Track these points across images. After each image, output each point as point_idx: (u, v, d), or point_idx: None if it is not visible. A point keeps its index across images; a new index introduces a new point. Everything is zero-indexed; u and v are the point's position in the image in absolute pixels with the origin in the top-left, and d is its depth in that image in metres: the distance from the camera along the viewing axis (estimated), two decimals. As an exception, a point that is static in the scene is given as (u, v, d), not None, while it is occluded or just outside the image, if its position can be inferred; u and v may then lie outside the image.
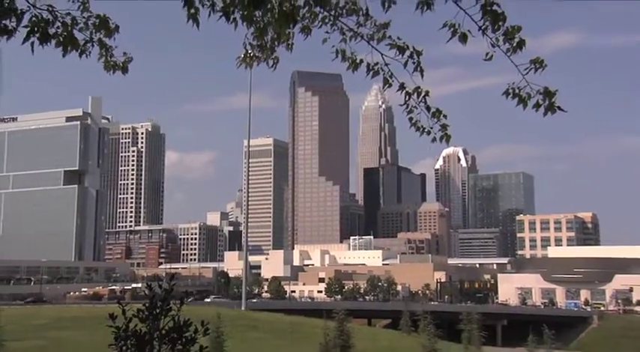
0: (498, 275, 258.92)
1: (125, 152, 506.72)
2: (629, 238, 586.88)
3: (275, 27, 5.80)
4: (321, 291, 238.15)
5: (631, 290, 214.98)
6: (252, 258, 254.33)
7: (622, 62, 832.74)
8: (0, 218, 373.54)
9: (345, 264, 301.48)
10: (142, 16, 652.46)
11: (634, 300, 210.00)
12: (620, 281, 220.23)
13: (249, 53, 6.20)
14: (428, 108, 5.54)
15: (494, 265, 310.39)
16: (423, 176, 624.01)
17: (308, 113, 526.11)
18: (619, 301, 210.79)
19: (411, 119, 5.57)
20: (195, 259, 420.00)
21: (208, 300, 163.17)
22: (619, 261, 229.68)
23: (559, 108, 5.27)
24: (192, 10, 5.53)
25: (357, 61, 5.76)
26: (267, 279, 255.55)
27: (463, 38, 5.17)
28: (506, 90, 5.33)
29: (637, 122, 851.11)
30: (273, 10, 5.58)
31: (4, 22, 4.95)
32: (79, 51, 5.47)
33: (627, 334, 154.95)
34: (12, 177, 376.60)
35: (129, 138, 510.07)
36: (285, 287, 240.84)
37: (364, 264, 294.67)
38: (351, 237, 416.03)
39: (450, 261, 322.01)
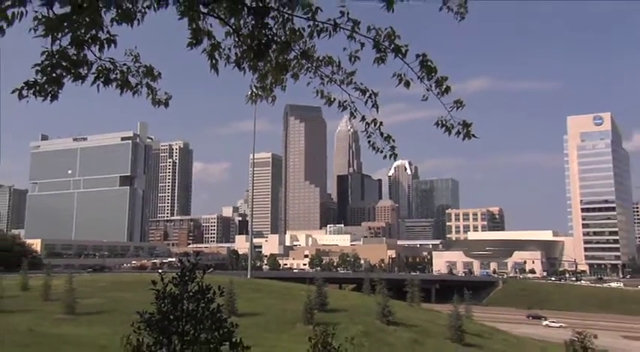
0: (433, 252, 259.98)
1: (164, 163, 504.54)
2: (525, 225, 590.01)
3: (273, 74, 5.82)
4: (305, 264, 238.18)
5: (525, 262, 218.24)
6: (255, 240, 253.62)
7: (520, 101, 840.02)
8: (74, 211, 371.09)
9: (323, 245, 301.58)
10: (178, 64, 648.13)
11: (527, 269, 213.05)
12: (517, 256, 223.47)
13: (254, 92, 6.22)
14: (381, 134, 5.57)
15: (430, 245, 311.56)
16: (380, 181, 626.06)
17: (297, 135, 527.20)
18: (517, 270, 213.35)
19: (369, 142, 5.61)
20: (214, 240, 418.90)
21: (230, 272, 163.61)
22: (517, 242, 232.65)
23: (473, 135, 5.36)
24: (214, 61, 5.55)
25: (332, 99, 5.80)
26: (266, 255, 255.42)
27: (407, 84, 5.23)
28: (436, 122, 5.40)
29: (529, 143, 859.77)
30: (272, 61, 5.61)
31: (79, 70, 4.95)
32: (133, 91, 5.48)
33: (522, 293, 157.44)
34: (82, 181, 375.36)
35: (166, 152, 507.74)
36: (279, 261, 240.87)
37: (337, 245, 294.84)
38: (328, 225, 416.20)
39: (399, 242, 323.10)
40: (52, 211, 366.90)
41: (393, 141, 5.60)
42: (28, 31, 4.71)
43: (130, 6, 4.97)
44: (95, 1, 4.67)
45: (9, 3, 4.50)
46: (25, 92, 4.93)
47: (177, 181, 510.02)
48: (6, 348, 46.89)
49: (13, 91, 4.93)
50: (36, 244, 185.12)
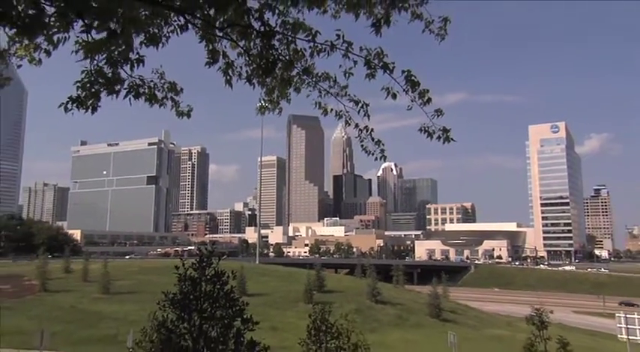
0: (415, 241, 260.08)
1: (184, 165, 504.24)
2: (493, 218, 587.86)
3: (279, 88, 5.82)
4: (306, 252, 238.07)
5: (493, 249, 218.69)
6: (262, 231, 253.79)
7: (489, 112, 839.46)
8: (108, 206, 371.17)
9: (321, 235, 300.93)
10: (197, 79, 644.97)
11: (495, 256, 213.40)
12: (487, 245, 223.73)
13: (263, 105, 6.21)
14: (373, 139, 5.57)
15: (413, 235, 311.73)
16: (370, 180, 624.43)
17: (298, 141, 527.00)
18: (486, 256, 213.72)
19: (362, 146, 5.61)
20: (227, 231, 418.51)
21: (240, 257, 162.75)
22: (486, 232, 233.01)
23: (452, 139, 5.36)
24: (228, 78, 5.55)
25: (329, 110, 5.79)
26: (272, 244, 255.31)
27: (394, 96, 5.23)
28: (420, 128, 5.39)
29: (497, 147, 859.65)
30: (277, 78, 5.60)
31: (113, 86, 5.00)
32: (159, 104, 5.48)
33: (491, 275, 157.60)
34: (115, 180, 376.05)
35: (187, 156, 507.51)
36: (283, 249, 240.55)
37: (333, 235, 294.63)
38: (325, 218, 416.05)
39: (386, 233, 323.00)
40: (89, 206, 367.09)
41: (383, 144, 5.61)
42: (70, 53, 4.74)
43: (157, 31, 5.01)
44: (127, 28, 4.69)
45: (55, 30, 4.53)
46: (69, 106, 4.95)
47: (195, 180, 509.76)
48: (53, 322, 46.88)
49: (60, 105, 4.95)
50: (76, 234, 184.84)
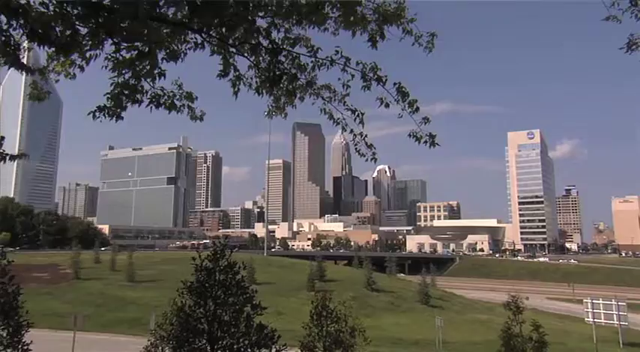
0: (406, 236, 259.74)
1: (200, 167, 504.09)
2: (476, 215, 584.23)
3: (285, 97, 5.84)
4: (309, 245, 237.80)
5: (476, 243, 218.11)
6: (270, 227, 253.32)
7: (472, 120, 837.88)
8: (133, 204, 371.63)
9: (322, 230, 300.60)
10: (212, 91, 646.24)
11: (477, 248, 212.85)
12: (470, 239, 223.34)
13: (271, 110, 6.22)
14: (366, 144, 5.61)
15: (405, 230, 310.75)
16: (366, 181, 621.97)
17: (302, 146, 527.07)
18: (470, 249, 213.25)
19: (356, 149, 5.65)
20: (238, 227, 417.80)
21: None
22: (470, 228, 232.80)
23: (437, 144, 5.38)
24: (237, 89, 5.58)
25: (331, 115, 5.80)
26: (278, 238, 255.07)
27: (386, 106, 5.27)
28: (409, 134, 5.42)
29: (479, 151, 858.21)
30: (284, 88, 5.63)
31: (137, 96, 5.06)
32: (177, 111, 5.53)
33: (473, 266, 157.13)
34: (139, 181, 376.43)
35: (202, 159, 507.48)
36: (288, 242, 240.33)
37: (333, 230, 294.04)
38: (326, 215, 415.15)
39: (380, 228, 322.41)
40: (116, 203, 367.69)
41: (375, 149, 5.64)
42: (101, 68, 4.80)
43: (176, 48, 5.05)
44: (153, 48, 4.74)
45: (87, 48, 4.57)
46: (97, 114, 4.98)
47: (210, 181, 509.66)
48: (85, 306, 47.01)
49: (89, 113, 4.98)
50: (105, 229, 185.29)
